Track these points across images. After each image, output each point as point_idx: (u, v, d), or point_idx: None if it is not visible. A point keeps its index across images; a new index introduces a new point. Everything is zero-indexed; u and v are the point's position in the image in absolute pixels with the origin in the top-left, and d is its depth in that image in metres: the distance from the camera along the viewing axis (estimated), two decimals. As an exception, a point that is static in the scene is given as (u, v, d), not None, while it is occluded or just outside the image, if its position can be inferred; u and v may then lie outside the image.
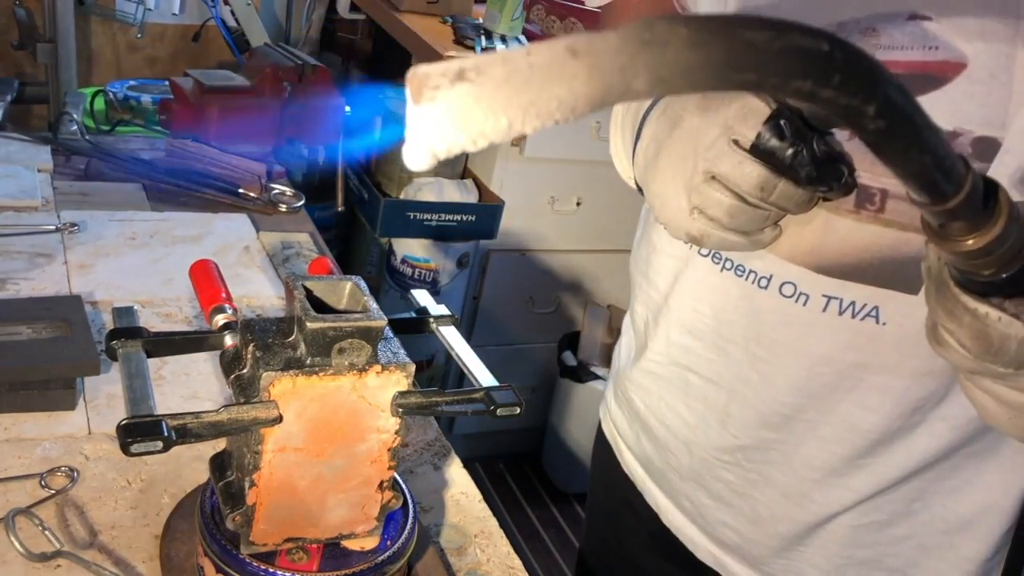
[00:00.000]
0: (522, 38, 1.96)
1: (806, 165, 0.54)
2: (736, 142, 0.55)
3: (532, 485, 2.45)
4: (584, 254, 2.26)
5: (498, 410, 0.61)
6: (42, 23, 2.12)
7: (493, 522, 0.80)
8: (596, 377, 2.23)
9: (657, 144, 0.61)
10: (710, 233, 0.59)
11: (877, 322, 0.64)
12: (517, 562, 0.76)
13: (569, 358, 2.28)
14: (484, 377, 0.65)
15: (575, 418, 2.29)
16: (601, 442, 0.97)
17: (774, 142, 0.54)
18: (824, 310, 0.65)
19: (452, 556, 0.75)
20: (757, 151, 0.54)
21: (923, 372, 0.65)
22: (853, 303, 0.64)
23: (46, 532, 0.66)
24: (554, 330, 2.32)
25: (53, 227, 1.10)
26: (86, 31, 2.31)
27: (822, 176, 0.55)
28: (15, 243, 1.05)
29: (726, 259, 0.71)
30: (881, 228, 0.62)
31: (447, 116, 0.25)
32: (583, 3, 1.86)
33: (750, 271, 0.69)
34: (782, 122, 0.54)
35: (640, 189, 0.67)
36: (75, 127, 1.34)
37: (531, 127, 0.25)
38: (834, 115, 0.31)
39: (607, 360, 2.28)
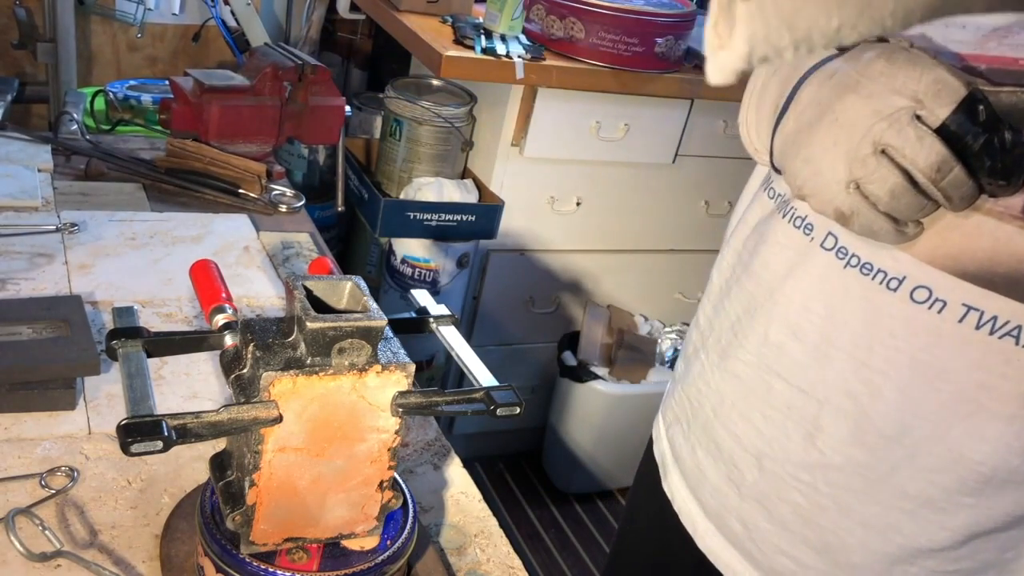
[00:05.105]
0: (522, 37, 1.96)
1: (994, 154, 0.52)
2: (919, 118, 0.52)
3: (532, 485, 2.45)
4: (584, 254, 2.26)
5: (498, 410, 0.61)
6: (42, 23, 2.12)
7: (493, 522, 0.80)
8: (596, 377, 2.23)
9: (820, 108, 0.57)
10: (862, 212, 0.56)
11: (1017, 343, 0.58)
12: (517, 562, 0.76)
13: (569, 358, 2.28)
14: (484, 377, 0.65)
15: (575, 418, 2.29)
16: (648, 461, 0.92)
17: (967, 124, 0.51)
18: (960, 321, 0.59)
19: (452, 556, 0.75)
20: (946, 131, 0.51)
21: None
22: (995, 318, 0.58)
23: (46, 532, 0.66)
24: (554, 330, 2.32)
25: (53, 227, 1.10)
26: (86, 31, 2.31)
27: (1006, 169, 0.52)
28: (15, 243, 1.05)
29: (852, 255, 0.64)
30: None
31: (777, 10, 0.22)
32: (583, 2, 1.86)
33: (879, 270, 0.62)
34: (980, 106, 0.51)
35: (773, 165, 0.62)
36: (75, 127, 1.34)
37: (858, 33, 0.23)
38: None
39: (607, 360, 2.28)
